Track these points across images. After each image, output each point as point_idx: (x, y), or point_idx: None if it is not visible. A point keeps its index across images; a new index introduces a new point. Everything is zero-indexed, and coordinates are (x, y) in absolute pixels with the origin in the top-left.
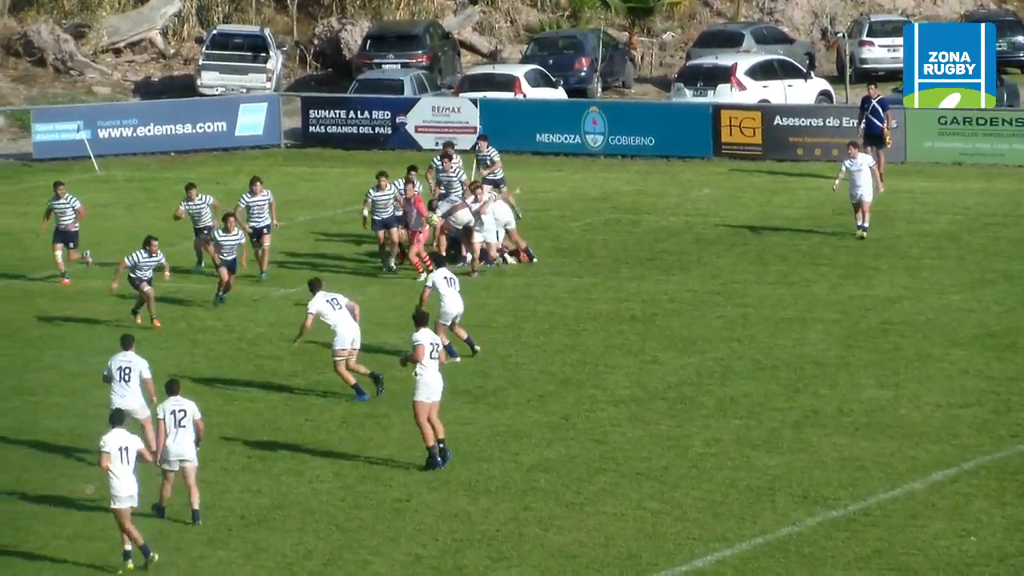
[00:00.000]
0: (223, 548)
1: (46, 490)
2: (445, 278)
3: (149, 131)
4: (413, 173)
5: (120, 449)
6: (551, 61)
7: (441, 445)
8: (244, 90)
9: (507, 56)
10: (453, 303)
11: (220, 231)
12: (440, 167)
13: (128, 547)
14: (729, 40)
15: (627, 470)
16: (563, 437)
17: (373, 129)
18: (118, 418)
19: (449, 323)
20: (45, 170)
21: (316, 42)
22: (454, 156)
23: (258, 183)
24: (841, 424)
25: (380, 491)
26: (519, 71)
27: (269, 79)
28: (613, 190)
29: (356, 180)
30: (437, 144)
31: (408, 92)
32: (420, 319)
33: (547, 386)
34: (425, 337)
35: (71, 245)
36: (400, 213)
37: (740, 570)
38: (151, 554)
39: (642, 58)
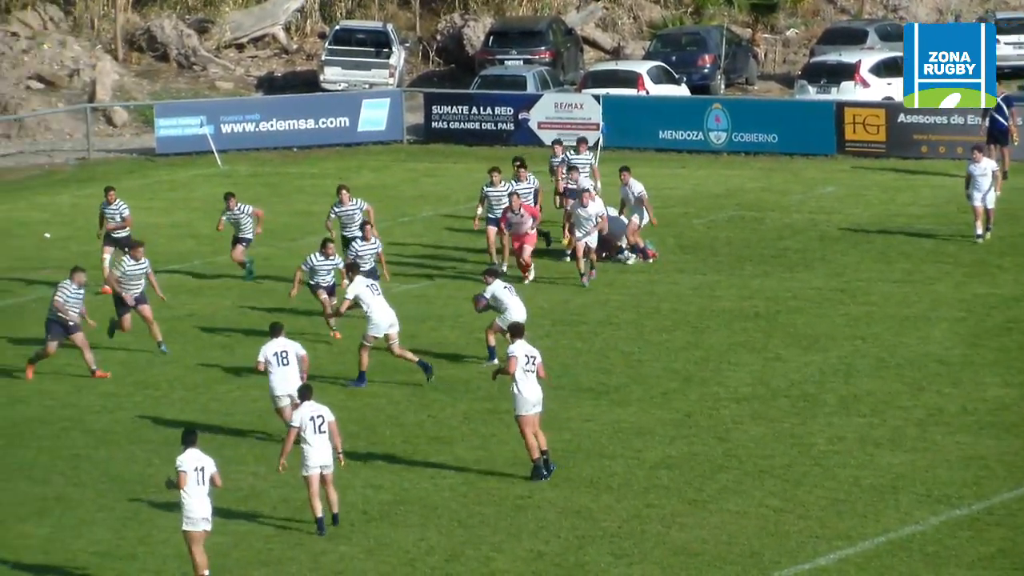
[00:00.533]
0: (345, 543)
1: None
2: (505, 287)
3: (272, 126)
4: (523, 171)
5: (196, 470)
6: (674, 58)
7: (545, 457)
8: (367, 86)
9: (630, 52)
10: (518, 311)
11: (317, 254)
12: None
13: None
14: (853, 37)
15: (750, 468)
16: (685, 434)
17: (495, 125)
18: (191, 439)
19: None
20: (169, 165)
21: (439, 38)
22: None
23: (345, 192)
24: (965, 423)
25: (502, 487)
26: (642, 68)
27: (392, 75)
28: (736, 187)
29: (478, 176)
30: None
31: (531, 88)
32: (516, 331)
33: (670, 383)
34: (520, 350)
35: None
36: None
37: (863, 568)
38: None
39: (765, 55)
